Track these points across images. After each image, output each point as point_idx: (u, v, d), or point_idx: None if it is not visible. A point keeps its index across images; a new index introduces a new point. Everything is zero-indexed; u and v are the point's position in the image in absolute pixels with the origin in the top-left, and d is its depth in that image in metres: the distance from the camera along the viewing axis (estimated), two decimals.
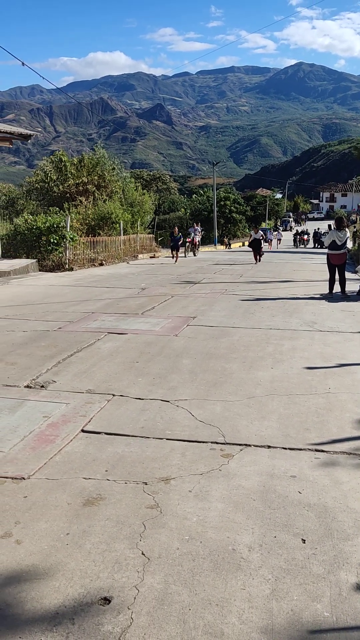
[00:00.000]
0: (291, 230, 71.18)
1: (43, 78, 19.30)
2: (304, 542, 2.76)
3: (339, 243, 11.41)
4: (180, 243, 23.35)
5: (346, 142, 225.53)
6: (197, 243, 28.25)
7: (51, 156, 31.68)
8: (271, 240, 46.13)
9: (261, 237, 23.05)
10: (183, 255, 23.71)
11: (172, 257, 23.22)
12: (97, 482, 3.38)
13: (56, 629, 2.19)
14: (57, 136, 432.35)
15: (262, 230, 29.55)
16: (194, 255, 26.42)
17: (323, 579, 2.48)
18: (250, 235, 23.18)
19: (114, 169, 30.63)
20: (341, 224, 11.62)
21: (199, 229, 29.03)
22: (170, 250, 24.03)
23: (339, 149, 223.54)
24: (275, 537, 2.80)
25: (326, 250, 11.90)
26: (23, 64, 14.58)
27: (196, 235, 27.93)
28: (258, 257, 22.24)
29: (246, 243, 44.86)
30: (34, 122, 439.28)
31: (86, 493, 3.25)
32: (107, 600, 2.35)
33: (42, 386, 5.28)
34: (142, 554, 2.66)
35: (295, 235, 46.28)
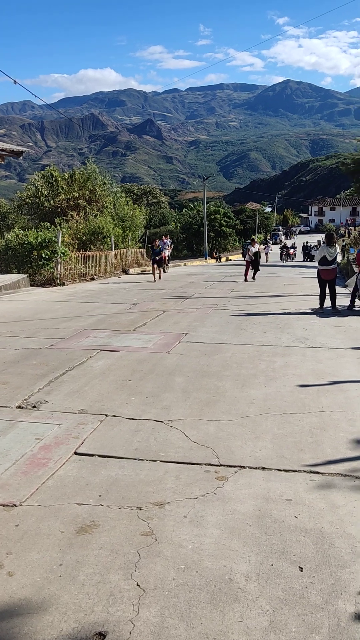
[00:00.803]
0: (280, 243, 71.66)
1: (35, 96, 19.37)
2: (302, 570, 2.71)
3: (330, 259, 11.46)
4: (159, 258, 20.73)
5: (333, 157, 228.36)
6: (167, 258, 25.36)
7: (42, 171, 31.73)
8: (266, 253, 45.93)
9: (258, 251, 20.98)
10: (158, 272, 20.60)
11: (152, 273, 20.60)
12: (90, 508, 3.32)
13: None
14: (49, 150, 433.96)
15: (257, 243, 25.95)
16: (163, 271, 22.60)
17: (321, 609, 2.44)
18: (249, 250, 20.46)
19: (104, 183, 30.70)
20: (331, 240, 11.69)
21: (168, 242, 26.49)
22: (151, 265, 21.27)
23: (327, 164, 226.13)
24: (272, 565, 2.75)
25: (316, 265, 11.95)
26: (15, 82, 14.62)
27: (165, 249, 24.72)
28: (252, 273, 20.10)
29: (233, 258, 43.86)
30: (25, 137, 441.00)
31: (79, 520, 3.18)
32: (102, 636, 2.29)
33: (34, 406, 5.21)
34: (137, 585, 2.60)
35: (282, 249, 45.49)
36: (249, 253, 20.17)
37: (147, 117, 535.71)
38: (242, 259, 48.12)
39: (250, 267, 20.17)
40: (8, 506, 3.34)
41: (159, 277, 20.21)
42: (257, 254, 20.28)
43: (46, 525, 3.13)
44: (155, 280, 19.68)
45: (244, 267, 20.71)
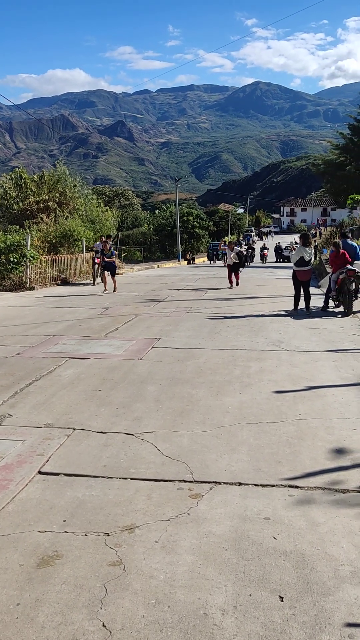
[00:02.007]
0: (253, 244, 71.81)
1: (2, 96, 18.98)
2: (282, 600, 2.50)
3: (307, 259, 11.36)
4: (101, 263, 16.76)
5: (304, 158, 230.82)
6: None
7: (11, 173, 31.15)
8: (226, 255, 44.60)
9: (239, 253, 17.65)
10: (100, 281, 17.48)
11: (100, 280, 17.40)
12: (53, 536, 3.06)
13: None
14: (18, 152, 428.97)
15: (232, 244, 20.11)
16: (94, 283, 18.58)
17: None
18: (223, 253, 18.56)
19: (75, 185, 30.27)
20: (307, 240, 11.60)
21: (110, 246, 18.45)
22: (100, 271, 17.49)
23: (297, 165, 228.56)
24: (250, 595, 2.54)
25: (291, 266, 11.82)
26: None
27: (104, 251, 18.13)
28: (235, 279, 17.51)
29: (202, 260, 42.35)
30: None
31: (41, 550, 2.92)
32: None
33: None
34: (103, 625, 2.36)
35: (262, 249, 44.60)
36: (228, 256, 17.58)
37: (118, 119, 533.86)
38: (209, 262, 47.36)
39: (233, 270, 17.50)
40: None
41: (114, 290, 16.03)
42: (241, 256, 17.54)
43: (3, 557, 2.86)
44: (105, 290, 16.15)
45: (226, 271, 18.08)
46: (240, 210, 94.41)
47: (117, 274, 26.12)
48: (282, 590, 2.57)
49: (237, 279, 17.66)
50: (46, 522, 3.21)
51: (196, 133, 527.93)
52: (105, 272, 16.45)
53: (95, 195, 38.10)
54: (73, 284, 19.97)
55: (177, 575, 2.70)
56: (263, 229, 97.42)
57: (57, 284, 19.51)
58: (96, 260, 18.67)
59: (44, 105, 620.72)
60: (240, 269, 17.87)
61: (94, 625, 2.36)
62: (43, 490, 3.61)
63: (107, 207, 34.98)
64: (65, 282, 20.05)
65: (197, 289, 17.23)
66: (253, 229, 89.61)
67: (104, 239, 16.83)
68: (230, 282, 17.37)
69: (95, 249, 18.94)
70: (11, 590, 2.60)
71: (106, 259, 16.26)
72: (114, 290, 15.94)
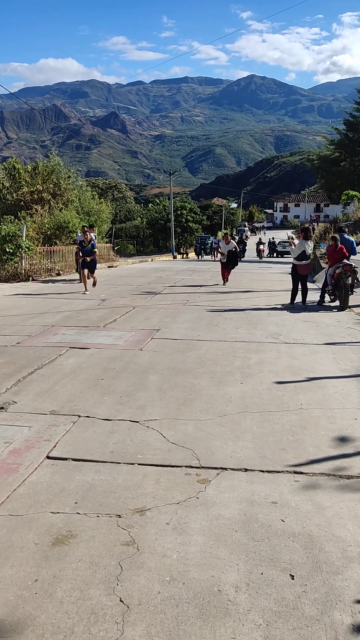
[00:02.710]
0: (247, 239, 71.88)
1: None
2: (293, 579, 2.58)
3: (308, 253, 11.45)
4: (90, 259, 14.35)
5: (297, 154, 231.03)
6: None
7: (4, 163, 30.96)
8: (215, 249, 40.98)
9: (234, 249, 16.38)
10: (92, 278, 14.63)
11: (80, 279, 15.36)
12: (66, 517, 3.12)
13: None
14: (9, 142, 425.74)
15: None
16: (91, 282, 14.90)
17: (317, 621, 2.31)
18: (218, 248, 16.67)
19: (69, 177, 30.13)
20: (308, 234, 11.71)
21: (93, 236, 15.97)
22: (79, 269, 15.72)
23: (291, 161, 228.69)
24: (262, 573, 2.62)
25: (292, 261, 11.88)
26: None
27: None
28: (227, 275, 16.42)
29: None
30: None
31: (55, 530, 2.99)
32: None
33: (2, 408, 4.96)
34: (121, 600, 2.43)
35: (257, 244, 42.43)
36: (220, 252, 16.36)
37: (112, 110, 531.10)
38: (197, 257, 43.77)
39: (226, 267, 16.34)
40: None
41: (93, 285, 14.45)
42: (233, 252, 16.22)
43: (19, 537, 2.92)
44: (86, 291, 13.87)
45: (220, 266, 16.77)
46: (234, 205, 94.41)
47: (112, 267, 26.24)
48: (293, 569, 2.65)
49: (228, 275, 16.45)
50: (58, 504, 3.27)
51: (190, 126, 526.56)
52: (85, 270, 14.09)
53: (90, 187, 37.95)
54: (68, 281, 19.95)
55: (189, 554, 2.77)
56: (256, 224, 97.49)
57: (52, 275, 19.49)
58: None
59: (36, 94, 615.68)
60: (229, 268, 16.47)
61: (112, 600, 2.43)
62: (52, 474, 3.66)
63: (102, 200, 34.87)
64: (60, 274, 20.03)
65: (192, 283, 17.28)
66: (246, 223, 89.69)
67: (85, 229, 15.50)
68: (224, 278, 16.27)
69: (77, 240, 16.94)
70: (28, 567, 2.66)
71: (83, 255, 14.17)
72: (94, 284, 14.45)
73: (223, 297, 12.99)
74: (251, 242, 57.88)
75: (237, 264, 16.87)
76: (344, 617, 2.33)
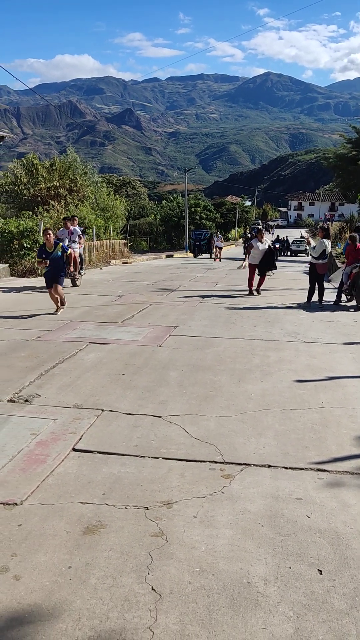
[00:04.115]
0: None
1: (14, 77, 18.95)
2: (321, 573, 2.63)
3: (328, 252, 11.45)
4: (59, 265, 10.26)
5: (313, 152, 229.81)
6: (78, 260, 13.94)
7: (22, 159, 31.14)
8: (220, 248, 33.82)
9: (271, 248, 13.27)
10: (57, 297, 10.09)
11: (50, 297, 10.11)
12: (95, 507, 3.19)
13: None
14: (25, 138, 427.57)
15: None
16: (74, 283, 13.74)
17: (347, 614, 2.36)
18: (249, 246, 13.18)
19: (85, 173, 30.28)
20: (328, 233, 11.73)
21: (78, 229, 14.40)
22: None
23: (306, 159, 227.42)
24: (290, 567, 2.67)
25: (309, 259, 11.85)
26: None
27: (73, 242, 13.79)
28: (260, 282, 13.19)
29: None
30: (1, 123, 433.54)
31: (85, 520, 3.06)
32: None
33: (27, 400, 5.05)
34: (152, 589, 2.49)
35: (273, 243, 37.09)
36: (251, 250, 12.96)
37: (127, 107, 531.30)
38: (192, 256, 36.99)
39: (257, 272, 13.05)
40: (9, 505, 3.19)
41: (61, 304, 9.88)
42: (269, 253, 12.99)
43: (51, 525, 3.00)
44: (57, 310, 9.77)
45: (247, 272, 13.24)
46: (248, 203, 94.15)
47: (126, 263, 26.26)
48: (320, 565, 2.70)
49: (262, 283, 13.30)
50: (86, 494, 3.34)
51: (205, 123, 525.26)
52: (58, 287, 9.85)
53: (105, 183, 38.07)
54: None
55: (217, 547, 2.83)
56: (271, 222, 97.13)
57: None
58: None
59: (52, 91, 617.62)
60: (272, 271, 13.86)
61: (144, 588, 2.49)
62: (79, 466, 3.74)
63: (117, 196, 34.97)
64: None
65: (207, 280, 17.31)
66: (260, 221, 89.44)
67: (69, 224, 13.60)
68: (252, 285, 12.94)
69: (58, 237, 12.82)
70: (61, 554, 2.74)
71: (51, 263, 10.06)
72: (61, 303, 9.87)
73: (238, 295, 13.00)
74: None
75: (275, 267, 13.60)
76: None
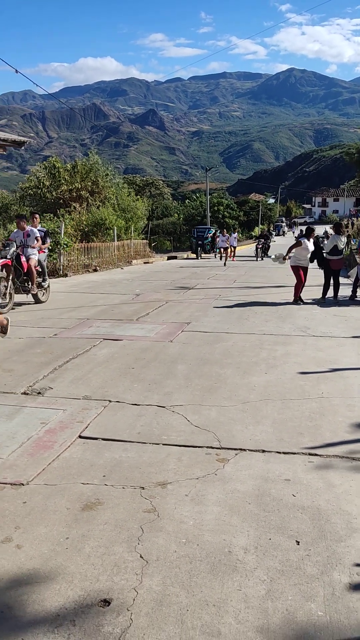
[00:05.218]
0: (284, 235, 71.32)
1: (37, 85, 19.40)
2: (298, 544, 2.83)
3: (340, 248, 11.52)
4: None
5: (338, 147, 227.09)
6: (36, 269, 10.94)
7: (44, 162, 31.75)
8: (235, 247, 31.34)
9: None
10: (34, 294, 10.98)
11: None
12: (95, 487, 3.44)
13: (58, 630, 2.25)
14: (50, 141, 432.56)
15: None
16: (37, 299, 11.23)
17: (317, 579, 2.55)
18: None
19: (107, 175, 30.73)
20: (340, 229, 11.80)
21: (36, 230, 11.19)
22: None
23: (331, 154, 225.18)
24: (270, 539, 2.87)
25: (325, 255, 11.93)
26: (16, 71, 14.66)
27: (27, 247, 10.90)
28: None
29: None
30: (27, 127, 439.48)
31: (85, 498, 3.30)
32: (106, 602, 2.41)
33: (39, 393, 5.33)
34: (141, 557, 2.72)
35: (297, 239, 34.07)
36: (297, 250, 11.41)
37: (150, 107, 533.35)
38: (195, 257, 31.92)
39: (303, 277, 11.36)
40: (16, 485, 3.46)
41: (3, 332, 7.14)
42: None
43: (52, 502, 3.25)
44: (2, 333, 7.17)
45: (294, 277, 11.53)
46: (271, 201, 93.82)
47: (147, 262, 26.56)
48: (299, 537, 2.90)
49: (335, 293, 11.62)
50: (88, 476, 3.59)
51: (228, 122, 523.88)
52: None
53: (126, 184, 38.51)
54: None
55: (204, 521, 3.05)
56: (298, 219, 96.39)
57: (89, 272, 19.98)
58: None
59: (76, 94, 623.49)
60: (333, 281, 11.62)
61: (133, 556, 2.73)
62: (84, 451, 3.99)
63: (138, 197, 35.35)
64: (97, 269, 20.52)
65: (226, 278, 17.50)
66: (284, 219, 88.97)
67: (23, 224, 10.97)
68: (300, 291, 11.32)
69: (10, 240, 10.58)
70: (60, 527, 2.99)
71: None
72: (4, 331, 7.13)
73: (255, 292, 13.17)
74: (288, 238, 57.43)
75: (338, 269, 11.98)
76: (342, 577, 2.57)
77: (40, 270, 11.29)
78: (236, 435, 4.26)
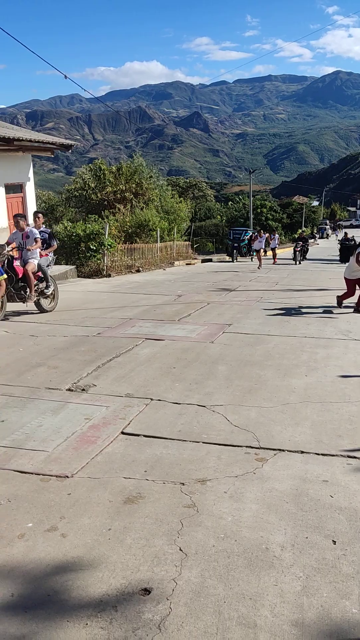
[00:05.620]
0: (327, 238, 70.36)
1: (84, 90, 19.79)
2: (335, 544, 2.86)
3: None
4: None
5: None
6: (33, 276, 9.73)
7: (90, 164, 32.34)
8: (274, 248, 30.51)
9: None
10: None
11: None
12: (136, 482, 3.55)
13: (100, 614, 2.36)
14: (95, 144, 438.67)
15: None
16: (40, 308, 10.20)
17: (352, 578, 2.59)
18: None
19: (151, 177, 31.06)
20: None
21: (36, 231, 9.99)
22: None
23: None
24: (306, 537, 2.91)
25: None
26: (65, 77, 15.01)
27: (27, 244, 9.76)
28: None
29: (279, 252, 29.63)
30: (73, 130, 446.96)
31: (126, 492, 3.42)
32: (147, 591, 2.51)
33: (83, 389, 5.49)
34: (180, 549, 2.81)
35: (342, 242, 29.74)
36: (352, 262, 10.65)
37: (194, 110, 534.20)
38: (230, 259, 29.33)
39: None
40: (61, 477, 3.60)
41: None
42: None
43: (96, 495, 3.38)
44: None
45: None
46: (315, 203, 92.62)
47: (190, 264, 26.71)
48: (335, 536, 2.93)
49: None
50: (129, 471, 3.70)
51: (272, 124, 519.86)
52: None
53: (170, 186, 38.79)
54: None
55: (242, 518, 3.11)
56: (341, 222, 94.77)
57: (132, 272, 20.25)
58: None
59: (122, 97, 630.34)
60: None
61: (172, 549, 2.82)
62: (126, 447, 4.11)
63: (181, 198, 35.57)
64: (140, 270, 20.77)
65: (268, 280, 17.44)
66: (327, 221, 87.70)
67: (23, 224, 9.86)
68: (344, 298, 10.85)
69: (8, 242, 9.88)
70: (103, 519, 3.11)
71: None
72: None
73: (297, 295, 13.10)
74: (332, 241, 56.63)
75: None
76: None
77: (42, 276, 10.09)
78: (275, 436, 4.30)
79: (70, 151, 21.49)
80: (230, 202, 63.97)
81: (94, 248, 18.28)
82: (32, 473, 3.65)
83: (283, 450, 4.03)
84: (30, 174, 18.46)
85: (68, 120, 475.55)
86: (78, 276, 17.69)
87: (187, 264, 26.31)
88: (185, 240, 31.86)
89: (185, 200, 35.95)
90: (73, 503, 3.29)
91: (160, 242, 24.72)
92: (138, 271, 20.59)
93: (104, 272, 18.38)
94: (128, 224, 24.81)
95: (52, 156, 19.68)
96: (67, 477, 3.61)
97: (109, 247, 18.68)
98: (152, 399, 5.20)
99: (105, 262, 18.66)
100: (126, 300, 12.14)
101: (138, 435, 4.34)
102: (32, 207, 18.48)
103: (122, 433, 4.38)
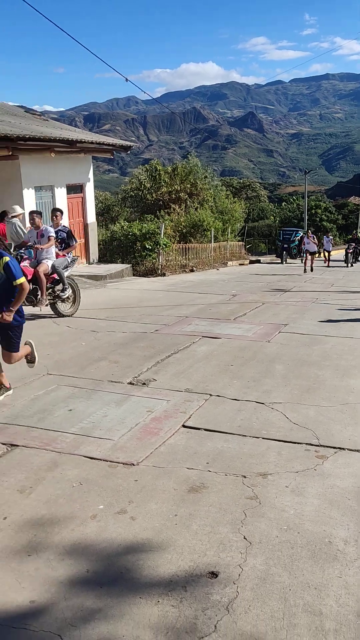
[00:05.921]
0: None
1: (142, 91, 20.09)
2: None
3: None
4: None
5: None
6: (47, 278, 8.85)
7: (146, 165, 32.76)
8: (329, 251, 27.19)
9: None
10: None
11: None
12: (199, 473, 3.66)
13: (171, 593, 2.48)
14: (150, 145, 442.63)
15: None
16: (57, 312, 9.46)
17: None
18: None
19: (205, 177, 31.17)
20: None
21: (51, 229, 9.18)
22: None
23: None
24: None
25: None
26: (126, 79, 15.32)
27: (42, 243, 8.95)
28: None
29: (334, 253, 27.44)
30: (129, 131, 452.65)
31: (190, 481, 3.53)
32: (214, 575, 2.61)
33: (144, 383, 5.65)
34: (244, 538, 2.90)
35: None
36: None
37: (249, 110, 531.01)
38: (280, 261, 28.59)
39: None
40: (127, 465, 3.76)
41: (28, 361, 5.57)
42: None
43: (161, 482, 3.51)
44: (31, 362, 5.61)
45: None
46: None
47: (242, 264, 26.64)
48: None
49: None
50: (192, 462, 3.82)
51: (328, 123, 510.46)
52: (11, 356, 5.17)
53: (223, 186, 38.80)
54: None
55: (305, 512, 3.17)
56: None
57: (186, 272, 20.41)
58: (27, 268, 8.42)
59: (177, 98, 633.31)
60: None
61: (237, 537, 2.91)
62: (187, 439, 4.23)
63: (235, 199, 35.53)
64: (193, 270, 20.92)
65: (323, 282, 17.24)
66: None
67: (38, 221, 9.09)
68: None
69: (25, 242, 9.35)
70: (169, 505, 3.23)
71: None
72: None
73: (353, 296, 12.91)
74: None
75: None
76: None
77: (58, 278, 9.21)
78: (335, 435, 4.32)
79: (128, 152, 21.86)
80: (284, 203, 63.40)
81: (150, 247, 18.54)
82: (100, 459, 3.83)
83: (343, 449, 4.05)
84: (90, 175, 18.90)
85: (124, 122, 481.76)
86: (133, 275, 18.00)
87: (240, 264, 26.29)
88: (239, 241, 31.81)
89: (239, 201, 35.85)
90: (140, 489, 3.43)
91: (214, 242, 24.80)
92: (192, 270, 20.73)
93: (159, 271, 18.62)
94: (183, 223, 25.00)
95: (112, 157, 20.08)
96: (133, 464, 3.76)
97: (164, 246, 18.91)
98: (211, 395, 5.30)
99: (160, 261, 18.90)
100: (181, 298, 12.29)
101: (199, 428, 4.45)
102: (91, 207, 18.92)
103: (184, 426, 4.50)
